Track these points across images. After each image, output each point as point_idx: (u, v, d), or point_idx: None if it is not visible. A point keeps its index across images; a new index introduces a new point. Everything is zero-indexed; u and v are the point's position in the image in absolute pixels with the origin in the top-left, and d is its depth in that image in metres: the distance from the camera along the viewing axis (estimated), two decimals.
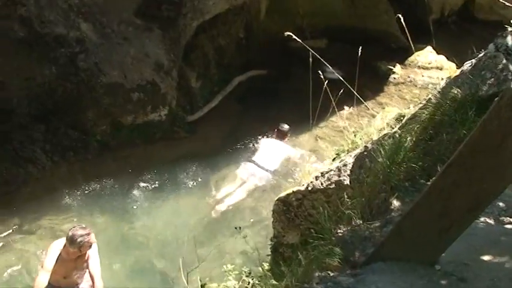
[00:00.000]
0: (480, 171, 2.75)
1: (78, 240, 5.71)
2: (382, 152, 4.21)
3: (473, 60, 4.87)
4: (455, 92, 4.47)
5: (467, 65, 4.97)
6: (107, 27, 9.70)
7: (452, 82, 4.84)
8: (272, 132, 9.81)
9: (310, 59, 6.15)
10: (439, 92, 4.80)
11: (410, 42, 6.88)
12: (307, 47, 6.10)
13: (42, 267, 5.88)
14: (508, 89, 2.57)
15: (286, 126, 9.78)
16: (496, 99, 2.60)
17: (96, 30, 9.56)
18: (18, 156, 8.72)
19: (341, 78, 6.05)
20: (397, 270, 3.15)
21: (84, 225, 6.01)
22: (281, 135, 9.72)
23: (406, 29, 6.17)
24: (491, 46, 4.64)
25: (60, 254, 5.86)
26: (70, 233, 5.77)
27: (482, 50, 4.98)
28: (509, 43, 4.49)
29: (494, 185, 2.78)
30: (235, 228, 6.59)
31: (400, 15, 6.25)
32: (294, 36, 5.77)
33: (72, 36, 9.33)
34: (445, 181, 2.86)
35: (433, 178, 3.32)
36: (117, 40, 9.74)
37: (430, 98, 4.88)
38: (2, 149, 8.62)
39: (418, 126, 4.50)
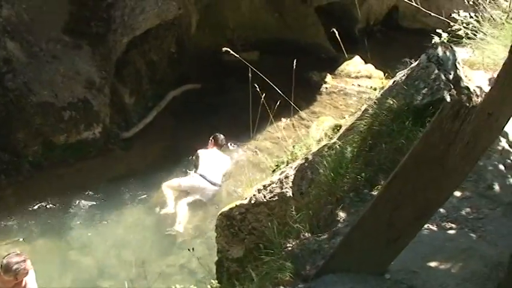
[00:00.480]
0: (424, 182, 2.83)
1: (14, 267, 5.55)
2: (326, 164, 4.27)
3: (406, 71, 5.04)
4: (391, 102, 4.59)
5: (399, 76, 5.13)
6: (35, 45, 9.45)
7: (387, 92, 4.98)
8: (207, 141, 9.73)
9: (250, 74, 6.17)
10: (375, 102, 4.93)
11: (345, 52, 7.06)
12: (245, 62, 6.13)
13: None
14: (448, 101, 2.67)
15: (221, 136, 9.74)
16: (437, 111, 2.69)
17: (24, 49, 9.29)
18: None
19: (279, 90, 6.11)
20: (348, 281, 3.20)
21: (19, 252, 5.85)
22: (217, 145, 9.66)
23: (340, 40, 6.33)
24: (423, 57, 4.81)
25: None
26: (4, 261, 5.60)
27: (413, 60, 5.16)
28: (440, 54, 4.67)
29: (438, 194, 2.87)
30: (188, 250, 6.51)
31: (335, 30, 6.40)
32: (231, 51, 5.79)
33: None
34: (390, 192, 2.94)
35: (379, 189, 3.41)
36: (45, 58, 9.50)
37: (366, 109, 5.01)
38: None
39: (357, 136, 4.60)
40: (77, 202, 8.70)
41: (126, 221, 8.41)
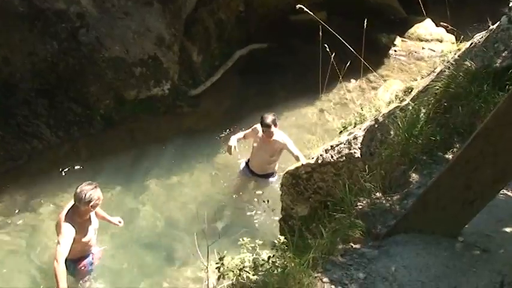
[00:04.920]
0: (506, 144, 2.77)
1: (87, 194, 5.66)
2: (400, 125, 4.23)
3: (485, 33, 4.88)
4: (469, 64, 4.48)
5: (477, 37, 4.97)
6: (107, 1, 9.56)
7: (464, 54, 4.85)
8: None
9: (321, 33, 6.10)
10: (451, 64, 4.81)
11: (424, 12, 6.85)
12: (320, 20, 6.06)
13: (61, 236, 5.64)
14: None
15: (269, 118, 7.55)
16: None
17: (96, 4, 9.43)
18: (22, 131, 8.67)
19: (352, 50, 6.03)
20: (420, 242, 3.20)
21: (89, 182, 5.89)
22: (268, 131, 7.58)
23: (421, 2, 6.16)
24: (503, 19, 4.64)
25: (73, 222, 5.74)
26: (78, 190, 5.70)
27: (489, 22, 4.99)
28: None
29: None
30: (263, 201, 6.57)
31: None
32: (305, 8, 5.71)
33: (73, 11, 9.22)
34: (470, 153, 2.89)
35: (458, 150, 3.35)
36: (117, 14, 9.63)
37: (442, 70, 4.90)
38: (6, 124, 8.56)
39: (431, 98, 4.52)
40: (145, 157, 8.91)
41: (193, 177, 8.54)
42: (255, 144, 7.94)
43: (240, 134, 8.04)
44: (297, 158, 7.24)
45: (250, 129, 7.99)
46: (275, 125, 7.55)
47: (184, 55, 10.58)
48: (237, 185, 8.29)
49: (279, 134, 7.71)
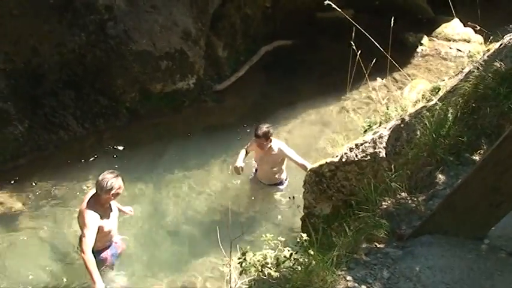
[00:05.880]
0: None
1: (109, 182, 5.72)
2: (428, 125, 4.19)
3: None
4: (498, 65, 4.42)
5: (508, 38, 4.91)
6: None
7: (494, 55, 4.79)
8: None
9: (353, 32, 6.07)
10: (481, 64, 4.75)
11: (453, 11, 6.77)
12: (348, 18, 6.02)
13: (86, 227, 5.70)
14: None
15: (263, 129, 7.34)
16: None
17: None
18: (49, 122, 8.79)
19: (379, 46, 5.98)
20: (445, 243, 3.18)
21: (111, 170, 5.97)
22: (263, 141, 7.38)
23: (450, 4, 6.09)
24: None
25: (96, 210, 5.80)
26: (100, 178, 5.77)
27: None
28: None
29: None
30: (289, 197, 6.53)
31: None
32: (334, 5, 5.67)
33: (101, 3, 9.29)
34: (499, 155, 2.86)
35: (487, 151, 3.32)
36: (145, 8, 9.70)
37: (471, 71, 4.84)
38: (33, 114, 8.68)
39: (459, 99, 4.47)
40: (169, 150, 8.97)
41: (215, 172, 8.57)
42: (257, 156, 7.84)
43: (244, 152, 7.82)
44: (304, 167, 6.94)
45: (250, 142, 7.82)
46: (267, 138, 7.30)
47: (210, 50, 10.64)
48: (251, 189, 8.25)
49: (276, 144, 7.52)
